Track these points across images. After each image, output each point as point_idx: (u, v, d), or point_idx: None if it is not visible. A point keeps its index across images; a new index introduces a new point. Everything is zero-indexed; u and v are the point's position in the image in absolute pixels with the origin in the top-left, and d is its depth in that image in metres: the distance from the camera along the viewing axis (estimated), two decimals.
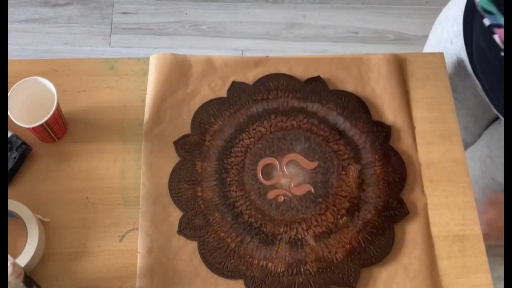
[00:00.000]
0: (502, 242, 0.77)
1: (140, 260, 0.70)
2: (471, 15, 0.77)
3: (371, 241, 0.73)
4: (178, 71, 0.81)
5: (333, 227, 0.73)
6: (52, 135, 0.74)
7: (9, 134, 0.74)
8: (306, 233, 0.73)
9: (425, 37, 0.97)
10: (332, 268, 0.71)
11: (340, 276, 0.70)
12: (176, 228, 0.72)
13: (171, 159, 0.76)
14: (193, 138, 0.77)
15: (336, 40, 1.80)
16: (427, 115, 0.82)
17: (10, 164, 0.72)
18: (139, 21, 1.74)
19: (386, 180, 0.76)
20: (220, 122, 0.79)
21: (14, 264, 0.59)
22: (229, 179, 0.75)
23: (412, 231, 0.74)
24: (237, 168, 0.76)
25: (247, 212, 0.74)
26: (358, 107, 0.80)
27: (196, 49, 1.71)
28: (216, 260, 0.71)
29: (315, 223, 0.73)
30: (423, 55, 0.87)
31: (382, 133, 0.79)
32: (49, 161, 0.76)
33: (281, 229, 0.73)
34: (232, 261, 0.71)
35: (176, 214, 0.73)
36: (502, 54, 0.68)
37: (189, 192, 0.74)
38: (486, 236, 0.76)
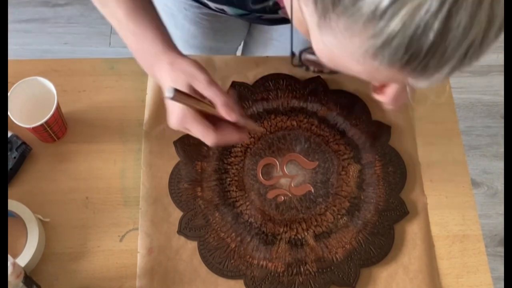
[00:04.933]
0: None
1: (140, 260, 0.70)
2: None
3: (371, 241, 0.73)
4: None
5: (333, 227, 0.73)
6: (52, 135, 0.74)
7: (9, 134, 0.74)
8: (306, 233, 0.73)
9: None
10: (332, 268, 0.71)
11: (340, 276, 0.70)
12: (176, 228, 0.72)
13: (171, 159, 0.76)
14: (193, 138, 0.77)
15: None
16: (427, 115, 0.82)
17: (10, 164, 0.72)
18: None
19: (386, 180, 0.76)
20: None
21: (14, 264, 0.59)
22: (229, 179, 0.75)
23: (412, 231, 0.74)
24: (237, 168, 0.76)
25: (247, 212, 0.74)
26: (358, 107, 0.80)
27: None
28: (216, 260, 0.71)
29: (315, 223, 0.73)
30: None
31: (382, 133, 0.79)
32: (49, 161, 0.76)
33: (281, 229, 0.73)
34: (232, 261, 0.71)
35: (176, 214, 0.73)
36: None
37: (189, 192, 0.74)
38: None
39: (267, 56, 0.84)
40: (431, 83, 0.36)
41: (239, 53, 1.17)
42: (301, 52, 0.51)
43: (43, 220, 0.72)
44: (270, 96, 0.81)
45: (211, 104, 0.59)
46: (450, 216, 0.76)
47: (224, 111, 0.58)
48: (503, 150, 1.69)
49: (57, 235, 0.72)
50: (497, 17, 0.31)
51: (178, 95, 0.55)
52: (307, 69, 0.54)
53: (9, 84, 0.76)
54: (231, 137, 0.62)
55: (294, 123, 0.79)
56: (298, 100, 0.81)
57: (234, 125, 0.61)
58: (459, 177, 0.78)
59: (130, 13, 0.62)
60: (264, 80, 0.82)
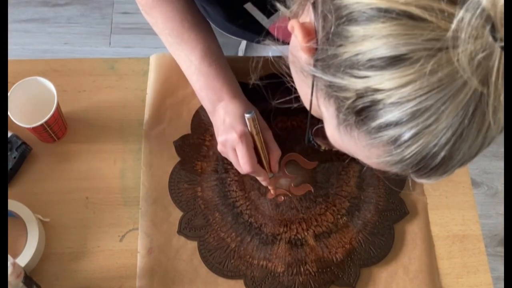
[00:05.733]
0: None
1: (140, 260, 0.70)
2: None
3: (371, 241, 0.73)
4: (178, 71, 0.81)
5: (333, 227, 0.73)
6: (52, 135, 0.74)
7: (9, 134, 0.74)
8: (306, 233, 0.73)
9: None
10: (332, 268, 0.71)
11: (340, 276, 0.70)
12: (176, 228, 0.72)
13: (171, 159, 0.76)
14: (193, 138, 0.77)
15: None
16: None
17: (10, 164, 0.72)
18: (139, 21, 1.74)
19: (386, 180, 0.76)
20: None
21: (14, 264, 0.59)
22: (229, 179, 0.75)
23: (412, 231, 0.74)
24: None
25: (247, 212, 0.74)
26: None
27: None
28: (216, 260, 0.71)
29: (315, 223, 0.73)
30: None
31: None
32: (49, 161, 0.76)
33: (281, 229, 0.73)
34: (232, 261, 0.71)
35: (176, 214, 0.73)
36: None
37: (189, 192, 0.74)
38: None
39: (267, 56, 0.84)
40: (430, 182, 0.42)
41: (242, 46, 1.17)
42: (312, 132, 0.58)
43: (43, 220, 0.72)
44: (270, 96, 0.81)
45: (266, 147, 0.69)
46: (450, 216, 0.76)
47: (274, 162, 0.70)
48: (503, 150, 1.69)
49: (57, 235, 0.72)
50: (490, 138, 0.37)
51: (254, 119, 0.65)
52: (319, 147, 0.61)
53: (9, 84, 0.76)
54: (260, 177, 0.71)
55: (294, 123, 0.79)
56: (298, 100, 0.81)
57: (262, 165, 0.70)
58: (459, 177, 0.78)
59: (204, 56, 0.72)
60: (264, 80, 0.82)
